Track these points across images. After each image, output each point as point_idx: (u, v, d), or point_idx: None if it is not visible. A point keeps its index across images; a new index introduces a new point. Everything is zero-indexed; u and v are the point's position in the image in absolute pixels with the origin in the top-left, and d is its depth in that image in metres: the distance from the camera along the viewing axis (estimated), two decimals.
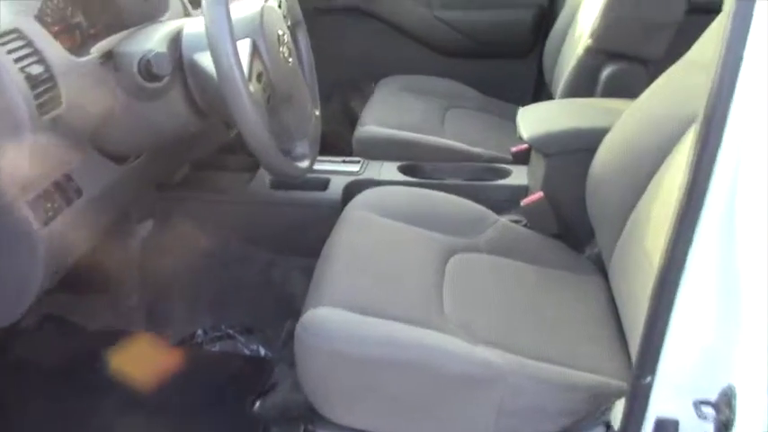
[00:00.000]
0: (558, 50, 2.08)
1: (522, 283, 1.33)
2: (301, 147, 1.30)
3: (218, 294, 1.72)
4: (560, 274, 1.38)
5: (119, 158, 1.24)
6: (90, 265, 1.69)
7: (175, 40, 1.17)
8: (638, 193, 1.16)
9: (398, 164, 1.82)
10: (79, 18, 1.26)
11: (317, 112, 1.44)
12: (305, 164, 1.30)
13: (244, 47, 1.15)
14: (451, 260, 1.33)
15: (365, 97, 2.31)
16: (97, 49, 1.13)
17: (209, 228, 1.68)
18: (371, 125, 1.98)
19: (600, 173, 1.35)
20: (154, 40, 1.15)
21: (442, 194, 1.53)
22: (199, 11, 1.55)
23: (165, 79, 1.14)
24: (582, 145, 1.45)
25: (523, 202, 1.56)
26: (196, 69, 1.16)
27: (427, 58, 2.56)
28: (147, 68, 1.12)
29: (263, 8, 1.20)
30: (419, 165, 1.84)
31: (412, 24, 2.52)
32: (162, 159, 1.38)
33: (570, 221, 1.53)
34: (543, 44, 2.25)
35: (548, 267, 1.40)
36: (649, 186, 1.14)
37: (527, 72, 2.50)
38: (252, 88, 1.09)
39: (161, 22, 1.27)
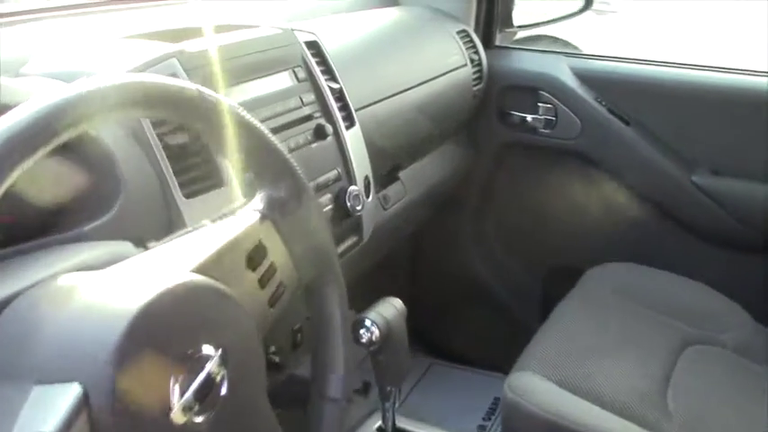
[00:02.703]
0: None
1: None
2: None
3: None
4: None
5: None
6: None
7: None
8: None
9: None
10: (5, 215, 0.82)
11: None
12: None
13: (57, 404, 0.49)
14: None
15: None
16: None
17: None
18: (533, 371, 1.20)
19: None
20: None
21: None
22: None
23: None
24: None
25: None
26: None
27: (670, 242, 1.69)
28: None
29: (144, 305, 0.53)
30: None
31: (654, 189, 1.67)
32: None
33: None
34: None
35: None
36: None
37: None
38: None
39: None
